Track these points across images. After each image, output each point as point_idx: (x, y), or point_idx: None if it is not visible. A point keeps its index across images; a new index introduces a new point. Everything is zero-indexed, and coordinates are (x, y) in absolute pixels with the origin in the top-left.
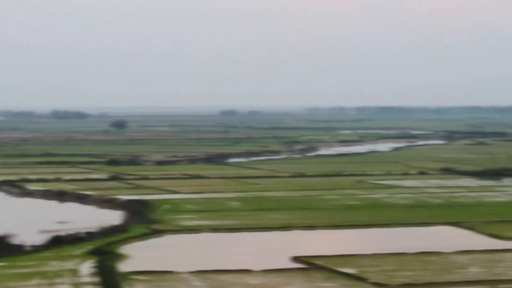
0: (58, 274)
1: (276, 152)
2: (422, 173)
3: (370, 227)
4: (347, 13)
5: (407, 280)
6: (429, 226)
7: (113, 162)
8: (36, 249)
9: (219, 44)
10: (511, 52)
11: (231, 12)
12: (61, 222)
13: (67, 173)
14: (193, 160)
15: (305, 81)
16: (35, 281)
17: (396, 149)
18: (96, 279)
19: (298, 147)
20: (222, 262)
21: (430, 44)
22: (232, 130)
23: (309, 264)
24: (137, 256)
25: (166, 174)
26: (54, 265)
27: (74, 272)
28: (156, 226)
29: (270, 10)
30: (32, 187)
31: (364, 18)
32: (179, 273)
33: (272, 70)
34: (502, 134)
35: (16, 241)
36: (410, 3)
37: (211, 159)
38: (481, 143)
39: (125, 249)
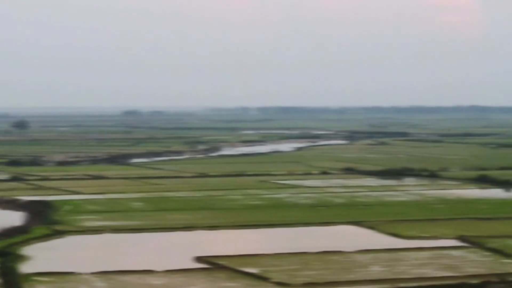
0: None
1: (179, 153)
2: (324, 173)
3: (273, 227)
4: (245, 15)
5: (310, 280)
6: (331, 225)
7: (14, 163)
8: None
9: (122, 44)
10: (410, 55)
11: (128, 10)
12: None
13: None
14: (95, 161)
15: (207, 81)
16: None
17: (299, 149)
18: None
19: (201, 147)
20: (125, 263)
21: (331, 48)
22: (135, 130)
23: (212, 264)
24: (39, 257)
25: (67, 175)
26: None
27: None
28: (58, 227)
29: (160, 7)
30: None
31: (265, 20)
32: (81, 274)
33: (174, 71)
34: (403, 134)
35: None
36: (309, 7)
37: (113, 160)
38: (382, 143)
39: (26, 250)
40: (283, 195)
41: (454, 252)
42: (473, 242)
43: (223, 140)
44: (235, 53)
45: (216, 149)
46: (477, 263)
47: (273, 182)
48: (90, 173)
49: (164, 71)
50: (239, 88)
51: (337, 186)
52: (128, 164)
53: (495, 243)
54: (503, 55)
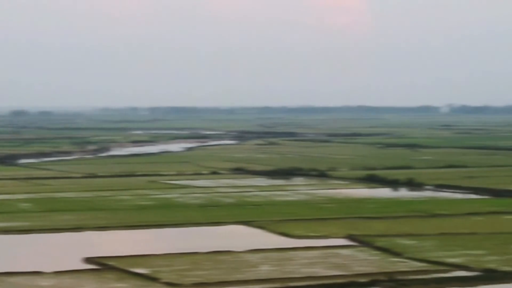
0: None
1: (68, 153)
2: (214, 172)
3: (163, 227)
4: (136, 13)
5: (200, 280)
6: (221, 225)
7: None
8: None
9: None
10: (300, 57)
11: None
12: None
13: None
14: None
15: (95, 81)
16: None
17: (188, 149)
18: None
19: (90, 147)
20: (13, 264)
21: (222, 48)
22: (23, 130)
23: (102, 265)
24: None
25: None
26: None
27: None
28: None
29: (61, 9)
30: None
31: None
32: None
33: (62, 69)
34: (292, 134)
35: None
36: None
37: (0, 160)
38: (272, 143)
39: None
40: (173, 195)
41: (343, 251)
42: (362, 241)
43: (112, 140)
44: (122, 52)
45: (106, 149)
46: (365, 261)
47: (163, 182)
48: None
49: (52, 69)
50: (128, 88)
51: (227, 186)
52: (16, 165)
53: (383, 242)
54: (391, 56)
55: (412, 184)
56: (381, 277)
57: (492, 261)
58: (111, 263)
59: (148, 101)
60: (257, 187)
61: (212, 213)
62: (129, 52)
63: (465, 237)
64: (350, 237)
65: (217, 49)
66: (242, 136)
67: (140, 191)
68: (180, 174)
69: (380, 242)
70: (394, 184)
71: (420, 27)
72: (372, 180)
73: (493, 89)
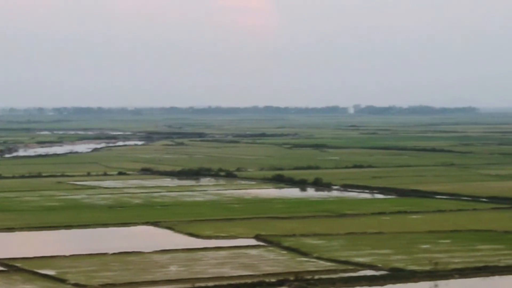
0: None
1: None
2: (121, 173)
3: (70, 228)
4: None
5: (108, 281)
6: (129, 226)
7: None
8: None
9: None
10: (205, 57)
11: None
12: None
13: None
14: None
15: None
16: None
17: (96, 150)
18: None
19: None
20: None
21: (119, 47)
22: None
23: (8, 267)
24: None
25: None
26: None
27: None
28: None
29: None
30: None
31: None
32: None
33: None
34: (200, 135)
35: None
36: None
37: None
38: (180, 144)
39: None
40: (80, 196)
41: (251, 251)
42: (270, 241)
43: (18, 141)
44: (28, 50)
45: (11, 150)
46: (274, 261)
47: (70, 183)
48: None
49: None
50: (34, 89)
51: (135, 187)
52: None
53: (291, 242)
54: (297, 58)
55: (319, 184)
56: (290, 277)
57: (399, 260)
58: (17, 264)
59: (55, 101)
60: (165, 188)
61: (120, 214)
62: (36, 50)
63: (372, 237)
64: (258, 237)
65: (122, 48)
66: (149, 136)
67: (47, 192)
68: (87, 175)
69: (288, 242)
70: (301, 184)
71: (325, 28)
72: (280, 180)
73: (398, 91)
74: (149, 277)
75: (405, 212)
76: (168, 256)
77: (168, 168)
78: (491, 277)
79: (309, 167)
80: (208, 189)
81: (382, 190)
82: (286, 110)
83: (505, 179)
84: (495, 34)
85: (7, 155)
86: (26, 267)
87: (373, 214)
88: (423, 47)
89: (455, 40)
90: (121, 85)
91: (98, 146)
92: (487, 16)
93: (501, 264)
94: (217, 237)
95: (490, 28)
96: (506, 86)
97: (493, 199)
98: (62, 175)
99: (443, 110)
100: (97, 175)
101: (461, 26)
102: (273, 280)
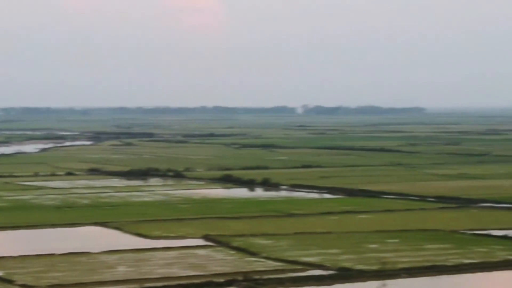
0: None
1: None
2: (69, 173)
3: (18, 229)
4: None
5: (56, 281)
6: (77, 226)
7: None
8: None
9: None
10: (155, 56)
11: None
12: None
13: None
14: None
15: None
16: None
17: (44, 150)
18: None
19: None
20: None
21: (72, 45)
22: None
23: None
24: None
25: None
26: None
27: None
28: None
29: None
30: None
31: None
32: None
33: None
34: (149, 135)
35: None
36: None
37: None
38: (128, 144)
39: None
40: (27, 196)
41: (200, 251)
42: (219, 241)
43: None
44: None
45: None
46: (222, 261)
47: (17, 184)
48: None
49: None
50: None
51: (83, 187)
52: None
53: (239, 242)
54: (246, 58)
55: (268, 184)
56: (238, 277)
57: (347, 260)
58: None
59: (2, 101)
60: (113, 188)
61: (68, 214)
62: None
63: (320, 236)
64: (206, 237)
65: (70, 47)
66: (97, 136)
67: None
68: (35, 176)
69: (237, 242)
70: (250, 184)
71: (273, 28)
72: (229, 180)
73: (346, 91)
74: (97, 278)
75: (353, 212)
76: (116, 256)
77: (116, 168)
78: (439, 277)
79: (258, 167)
80: (157, 189)
81: (330, 190)
82: (234, 110)
83: (452, 179)
84: (442, 37)
85: None
86: None
87: (321, 214)
88: (371, 48)
89: (401, 42)
90: (69, 85)
91: (46, 146)
92: (436, 19)
93: (449, 264)
94: (165, 238)
95: (438, 31)
96: (452, 87)
97: (440, 198)
98: (10, 176)
99: (391, 110)
100: (45, 175)
101: (408, 28)
102: (221, 280)
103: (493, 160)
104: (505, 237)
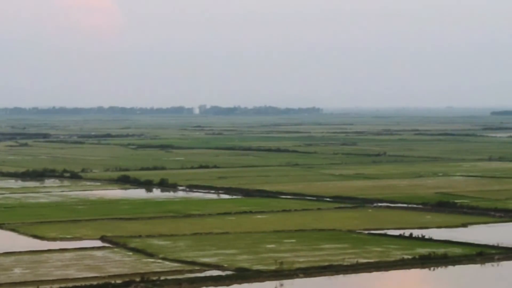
0: None
1: None
2: None
3: None
4: None
5: None
6: None
7: None
8: None
9: None
10: (52, 56)
11: None
12: None
13: None
14: None
15: None
16: None
17: None
18: None
19: None
20: None
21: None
22: None
23: None
24: None
25: None
26: None
27: None
28: None
29: None
30: None
31: None
32: None
33: None
34: (44, 135)
35: None
36: None
37: None
38: (23, 145)
39: None
40: None
41: (97, 253)
42: (116, 243)
43: None
44: None
45: None
46: (120, 263)
47: None
48: None
49: None
50: None
51: None
52: None
53: (137, 243)
54: (142, 59)
55: (165, 185)
56: (135, 278)
57: (244, 260)
58: None
59: None
60: (9, 189)
61: None
62: None
63: (218, 237)
64: (103, 238)
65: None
66: None
67: None
68: None
69: (134, 243)
70: (147, 185)
71: (168, 31)
72: (126, 181)
73: (243, 91)
74: None
75: (251, 212)
76: (12, 258)
77: (12, 170)
78: (336, 276)
79: (155, 168)
80: (53, 191)
81: (228, 191)
82: (131, 110)
83: (348, 179)
84: (338, 39)
85: None
86: None
87: (218, 214)
88: (265, 48)
89: (298, 43)
90: None
91: None
92: (334, 21)
93: (345, 263)
94: (62, 239)
95: (333, 33)
96: (348, 89)
97: (336, 198)
98: None
99: (288, 111)
100: None
101: (302, 31)
102: (119, 281)
103: (388, 160)
104: (400, 237)
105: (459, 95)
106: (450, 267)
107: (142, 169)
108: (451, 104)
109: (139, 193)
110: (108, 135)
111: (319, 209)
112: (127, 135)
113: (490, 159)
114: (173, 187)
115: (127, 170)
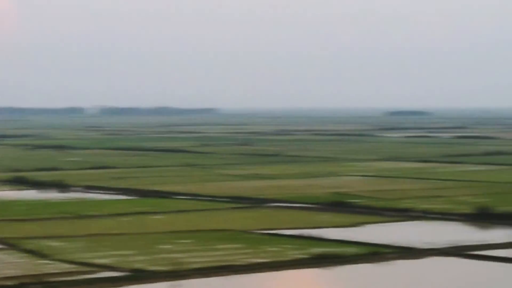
0: None
1: None
2: None
3: None
4: None
5: None
6: None
7: None
8: None
9: None
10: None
11: None
12: None
13: None
14: None
15: None
16: None
17: None
18: None
19: None
20: None
21: None
22: None
23: None
24: None
25: None
26: None
27: None
28: None
29: None
30: None
31: None
32: None
33: None
34: None
35: None
36: None
37: None
38: None
39: None
40: None
41: None
42: (10, 244)
43: None
44: None
45: None
46: (13, 265)
47: None
48: None
49: None
50: None
51: None
52: None
53: (31, 245)
54: (34, 57)
55: (60, 186)
56: (29, 280)
57: (140, 261)
58: None
59: None
60: None
61: None
62: None
63: (113, 238)
64: None
65: None
66: None
67: None
68: None
69: (28, 245)
70: (42, 186)
71: (64, 29)
72: (20, 182)
73: (139, 91)
74: None
75: (146, 212)
76: None
77: None
78: (231, 276)
79: (50, 169)
80: None
81: (124, 191)
82: (24, 110)
83: (244, 179)
84: (243, 37)
85: None
86: None
87: (114, 215)
88: (162, 49)
89: (197, 44)
90: None
91: None
92: (236, 22)
93: (240, 263)
94: None
95: (230, 34)
96: (244, 89)
97: (232, 198)
98: None
99: (184, 111)
100: None
101: (200, 31)
102: (12, 283)
103: (284, 160)
104: (295, 236)
105: (356, 96)
106: (345, 266)
107: (37, 169)
108: (348, 105)
109: (33, 194)
110: (2, 136)
111: (214, 209)
112: (22, 136)
113: (384, 159)
114: (68, 188)
115: (21, 171)
